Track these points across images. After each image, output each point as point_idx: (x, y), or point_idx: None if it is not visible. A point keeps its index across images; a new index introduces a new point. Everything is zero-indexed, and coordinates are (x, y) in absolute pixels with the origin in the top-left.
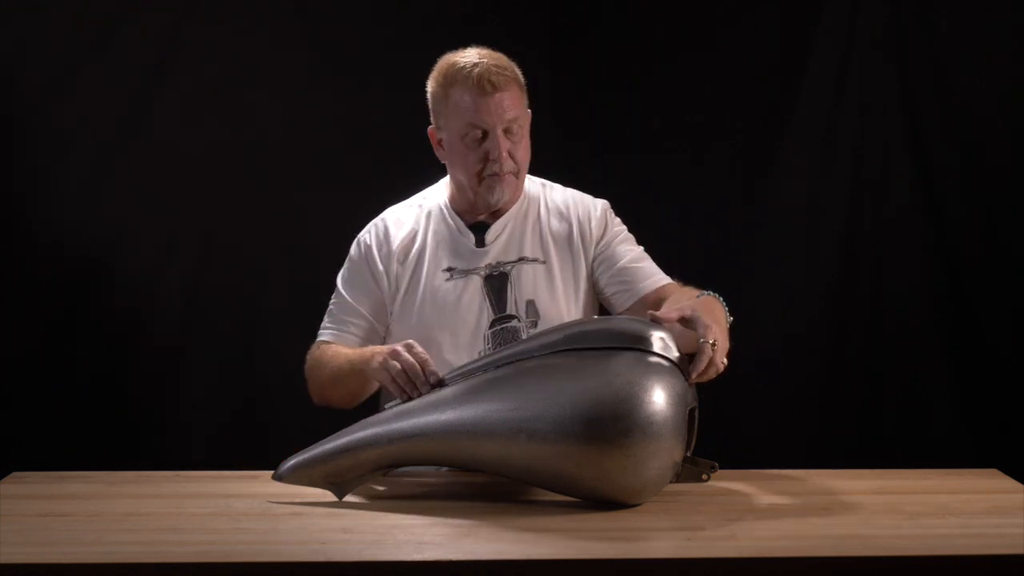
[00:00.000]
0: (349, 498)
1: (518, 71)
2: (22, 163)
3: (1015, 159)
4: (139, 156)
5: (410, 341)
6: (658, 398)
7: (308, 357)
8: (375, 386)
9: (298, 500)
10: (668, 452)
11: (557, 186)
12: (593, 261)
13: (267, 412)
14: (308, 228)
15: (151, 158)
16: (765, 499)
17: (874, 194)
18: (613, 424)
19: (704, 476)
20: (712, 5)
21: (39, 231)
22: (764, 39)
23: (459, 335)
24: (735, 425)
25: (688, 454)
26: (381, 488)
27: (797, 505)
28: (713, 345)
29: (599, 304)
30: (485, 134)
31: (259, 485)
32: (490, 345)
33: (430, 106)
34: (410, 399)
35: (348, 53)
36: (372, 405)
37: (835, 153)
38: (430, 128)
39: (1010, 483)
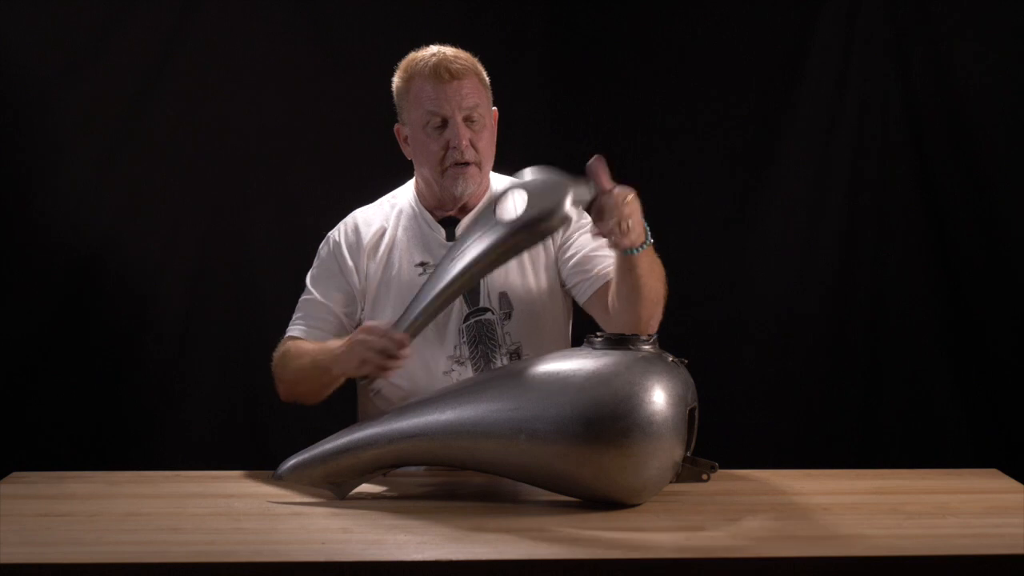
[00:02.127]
0: (349, 498)
1: (480, 66)
2: (23, 162)
3: (1015, 159)
4: (139, 156)
5: (364, 324)
6: (658, 398)
7: (275, 355)
8: (340, 381)
9: (298, 500)
10: (668, 452)
11: None
12: (557, 251)
13: (267, 412)
14: (309, 228)
15: (151, 158)
16: (765, 499)
17: (874, 194)
18: (613, 424)
19: (704, 476)
20: (712, 5)
21: (39, 231)
22: (764, 39)
23: (433, 329)
24: (735, 425)
25: (688, 454)
26: (381, 488)
27: (797, 505)
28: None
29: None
30: (445, 122)
31: (259, 485)
32: (464, 338)
33: (396, 103)
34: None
35: (348, 53)
36: (358, 405)
37: (835, 153)
38: (396, 126)
39: (1010, 483)
